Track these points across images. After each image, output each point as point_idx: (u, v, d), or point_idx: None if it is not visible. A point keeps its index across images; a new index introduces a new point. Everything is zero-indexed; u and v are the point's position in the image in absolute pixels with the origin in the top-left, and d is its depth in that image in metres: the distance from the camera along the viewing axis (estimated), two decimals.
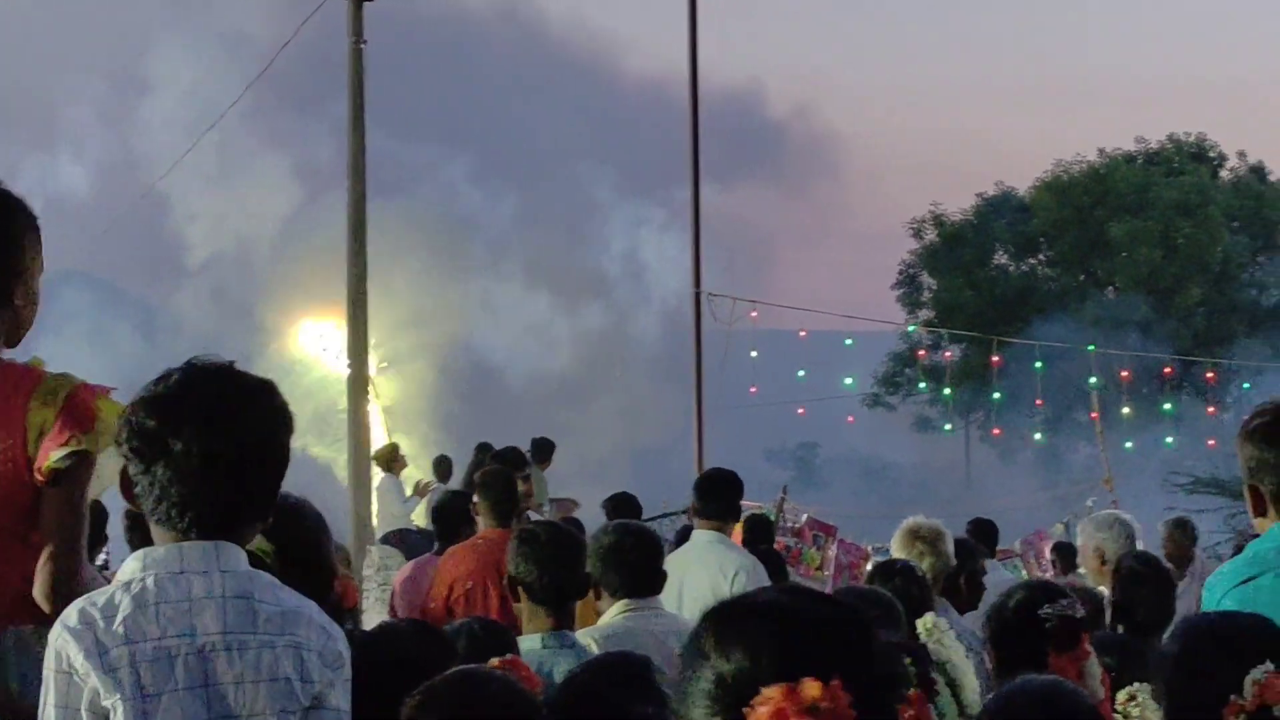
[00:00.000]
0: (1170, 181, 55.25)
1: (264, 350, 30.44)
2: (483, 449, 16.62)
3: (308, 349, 32.79)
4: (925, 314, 59.00)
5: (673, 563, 7.27)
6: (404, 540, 14.84)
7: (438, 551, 9.65)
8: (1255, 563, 4.28)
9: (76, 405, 4.02)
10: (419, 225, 32.85)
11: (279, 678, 3.33)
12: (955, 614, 7.34)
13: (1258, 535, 4.37)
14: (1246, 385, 43.68)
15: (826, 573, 15.01)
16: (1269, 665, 3.44)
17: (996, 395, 38.42)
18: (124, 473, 3.43)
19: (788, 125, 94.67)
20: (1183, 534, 12.16)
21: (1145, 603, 6.74)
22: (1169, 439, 38.40)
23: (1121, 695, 4.50)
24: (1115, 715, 4.47)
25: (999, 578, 10.63)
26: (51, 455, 3.98)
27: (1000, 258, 59.87)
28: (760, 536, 12.70)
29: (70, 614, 3.30)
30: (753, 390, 30.82)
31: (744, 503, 9.93)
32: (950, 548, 7.71)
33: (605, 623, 6.08)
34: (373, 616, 10.39)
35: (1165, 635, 6.96)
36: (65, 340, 27.39)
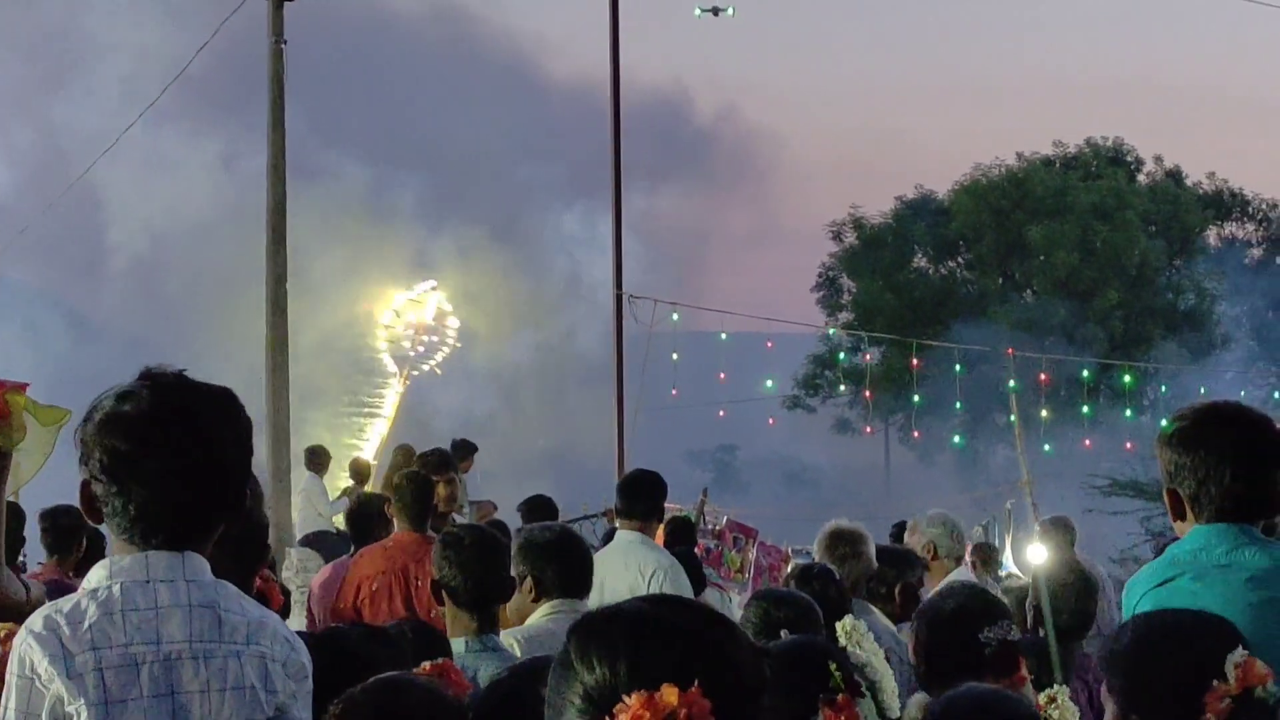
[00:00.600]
0: (1088, 185, 55.78)
1: (191, 347, 30.11)
2: (402, 451, 16.52)
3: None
4: (845, 316, 59.26)
5: (595, 563, 7.27)
6: (322, 542, 14.77)
7: (354, 554, 9.61)
8: (1173, 565, 4.36)
9: None
10: (337, 226, 32.67)
11: (244, 687, 3.34)
12: (877, 615, 7.38)
13: (1179, 538, 4.42)
14: (1164, 388, 44.15)
15: (746, 575, 14.99)
16: (1242, 649, 3.47)
17: (916, 398, 38.61)
18: (84, 488, 3.40)
19: (712, 127, 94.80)
20: (1062, 535, 12.33)
21: (1067, 607, 6.79)
22: (1087, 442, 38.71)
23: (1041, 698, 4.53)
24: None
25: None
26: None
27: (919, 261, 60.15)
28: (682, 538, 12.70)
29: (35, 620, 3.28)
30: (674, 392, 30.82)
31: (665, 505, 9.95)
32: (872, 550, 7.76)
33: (530, 624, 6.08)
34: (292, 621, 10.32)
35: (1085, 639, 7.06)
36: None
